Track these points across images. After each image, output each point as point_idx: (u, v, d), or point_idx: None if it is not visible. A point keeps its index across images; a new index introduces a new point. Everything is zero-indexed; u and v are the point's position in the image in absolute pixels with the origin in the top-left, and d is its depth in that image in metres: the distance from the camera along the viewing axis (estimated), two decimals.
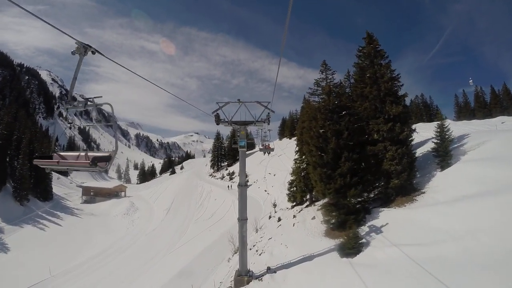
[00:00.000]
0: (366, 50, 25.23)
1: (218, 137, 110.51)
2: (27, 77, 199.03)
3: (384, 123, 22.51)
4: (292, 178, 36.67)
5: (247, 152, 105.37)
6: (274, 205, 41.97)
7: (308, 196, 33.88)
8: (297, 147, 34.82)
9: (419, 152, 26.48)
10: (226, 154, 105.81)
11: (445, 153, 22.61)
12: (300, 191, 33.08)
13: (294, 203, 36.53)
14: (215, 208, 58.30)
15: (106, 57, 6.73)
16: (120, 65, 7.98)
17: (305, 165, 32.59)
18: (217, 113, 18.69)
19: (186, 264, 32.56)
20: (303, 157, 32.77)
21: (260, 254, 23.39)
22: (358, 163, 22.10)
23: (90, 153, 6.45)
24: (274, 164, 71.58)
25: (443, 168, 22.08)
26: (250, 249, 25.92)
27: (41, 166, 6.82)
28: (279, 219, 32.33)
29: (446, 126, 23.68)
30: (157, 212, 67.69)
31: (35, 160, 6.81)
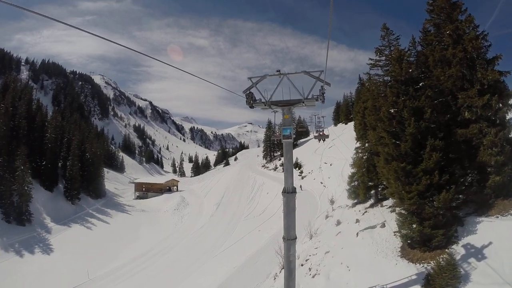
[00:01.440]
0: (437, 2, 18.53)
1: (269, 126, 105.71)
2: (80, 82, 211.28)
3: (476, 96, 15.88)
4: (352, 170, 30.72)
5: (301, 140, 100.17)
6: (332, 202, 36.20)
7: (372, 191, 27.76)
8: (358, 133, 28.68)
9: None
10: (278, 144, 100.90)
11: None
12: (363, 187, 27.07)
13: (356, 200, 30.62)
14: (267, 202, 53.95)
15: (153, 58, 7.39)
16: (169, 65, 8.14)
17: (367, 154, 26.55)
18: (250, 92, 13.29)
19: (223, 280, 28.24)
20: (366, 145, 26.68)
21: (313, 276, 18.17)
22: (445, 153, 15.78)
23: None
24: (330, 153, 65.06)
25: None
26: (302, 265, 20.85)
27: None
28: (338, 223, 26.69)
29: None
30: (207, 207, 65.51)
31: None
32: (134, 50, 7.08)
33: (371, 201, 28.01)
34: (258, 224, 44.27)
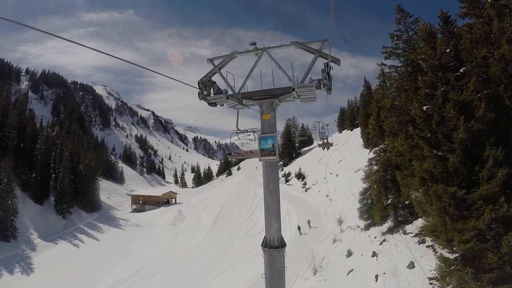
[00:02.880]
0: None
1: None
2: (81, 93, 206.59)
3: None
4: (364, 185, 25.41)
5: (304, 149, 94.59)
6: (340, 222, 30.55)
7: (391, 212, 22.34)
8: (371, 140, 23.42)
9: None
10: (280, 152, 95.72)
11: None
12: (380, 208, 21.60)
13: (369, 221, 25.20)
14: None
15: (149, 69, 6.42)
16: (167, 76, 7.09)
17: (384, 167, 21.24)
18: (210, 81, 7.92)
19: None
20: (383, 154, 21.38)
21: None
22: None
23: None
24: (336, 162, 59.52)
25: None
26: None
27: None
28: (349, 254, 21.22)
29: None
30: (204, 222, 60.14)
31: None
32: (130, 62, 5.75)
33: (389, 223, 22.55)
34: (255, 245, 38.61)
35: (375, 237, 21.78)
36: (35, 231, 49.40)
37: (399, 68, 19.75)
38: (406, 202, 20.74)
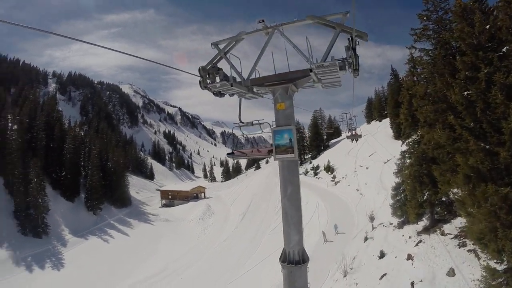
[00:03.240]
0: None
1: (297, 127, 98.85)
2: (108, 92, 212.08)
3: None
4: (397, 179, 23.63)
5: (332, 141, 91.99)
6: (371, 218, 28.80)
7: (427, 209, 20.48)
8: (404, 132, 21.58)
9: None
10: (308, 145, 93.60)
11: None
12: (414, 205, 19.78)
13: (403, 218, 23.40)
14: None
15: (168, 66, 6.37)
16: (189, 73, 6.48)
17: (420, 160, 19.40)
18: (214, 68, 6.83)
19: None
20: (417, 147, 19.53)
21: None
22: None
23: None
24: (366, 153, 57.07)
25: None
26: None
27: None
28: (382, 254, 19.69)
29: None
30: (233, 217, 59.82)
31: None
32: (149, 60, 5.81)
33: (425, 221, 20.72)
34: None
35: (409, 237, 20.07)
36: (66, 227, 51.17)
37: (430, 51, 17.84)
38: (444, 199, 18.89)
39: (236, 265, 35.64)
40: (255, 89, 6.91)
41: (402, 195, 22.94)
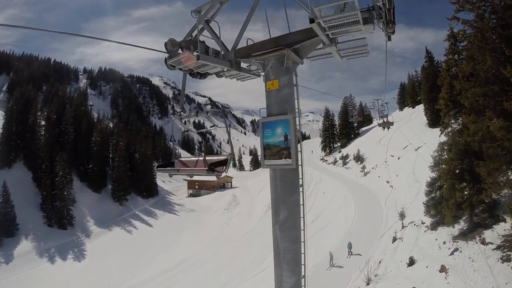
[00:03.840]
0: None
1: (327, 114, 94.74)
2: (138, 85, 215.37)
3: None
4: (433, 174, 20.54)
5: (363, 129, 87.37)
6: (402, 216, 25.66)
7: (466, 211, 17.37)
8: (443, 120, 18.36)
9: None
10: (338, 133, 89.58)
11: None
12: (452, 206, 16.67)
13: (437, 218, 20.30)
14: (322, 205, 44.44)
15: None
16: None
17: (461, 154, 16.27)
18: (190, 42, 4.84)
19: None
20: (459, 137, 16.37)
21: None
22: None
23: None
24: (398, 142, 52.92)
25: None
26: None
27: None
28: (412, 261, 16.91)
29: None
30: (257, 208, 58.25)
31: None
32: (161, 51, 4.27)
33: (462, 224, 17.69)
34: (308, 235, 34.89)
35: (444, 243, 17.16)
36: (91, 219, 51.84)
37: (477, 23, 14.51)
38: (486, 200, 15.74)
39: (253, 262, 33.87)
40: (244, 65, 4.76)
41: (438, 193, 19.87)
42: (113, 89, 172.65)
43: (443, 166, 17.63)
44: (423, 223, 22.56)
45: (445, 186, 17.39)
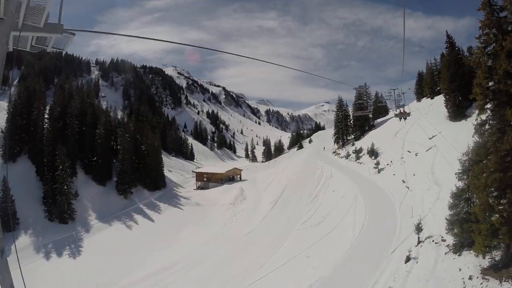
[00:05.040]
0: None
1: (340, 105, 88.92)
2: (151, 75, 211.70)
3: None
4: (459, 184, 16.01)
5: (378, 120, 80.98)
6: (419, 229, 20.94)
7: (501, 237, 12.73)
8: (480, 113, 13.48)
9: None
10: (352, 125, 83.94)
11: None
12: (487, 232, 12.15)
13: (462, 238, 15.74)
14: (331, 205, 39.94)
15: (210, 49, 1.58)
16: (226, 52, 2.29)
17: (496, 161, 11.70)
18: None
19: None
20: (502, 140, 11.74)
21: None
22: None
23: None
24: (415, 136, 47.55)
25: None
26: None
27: None
28: None
29: None
30: (263, 204, 54.26)
31: None
32: (188, 45, 5.33)
33: (494, 254, 13.23)
34: (311, 240, 31.13)
35: (470, 278, 12.79)
36: (93, 212, 49.75)
37: None
38: None
39: (249, 268, 30.23)
40: None
41: (466, 208, 15.32)
42: (125, 80, 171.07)
43: (477, 176, 13.00)
44: (443, 240, 18.07)
45: (477, 203, 12.85)
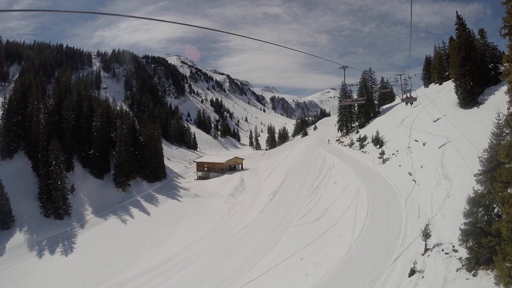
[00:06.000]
0: None
1: (344, 91, 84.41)
2: (153, 65, 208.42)
3: None
4: (478, 187, 13.05)
5: (384, 107, 76.64)
6: (426, 235, 17.91)
7: None
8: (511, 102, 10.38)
9: None
10: (356, 111, 79.89)
11: None
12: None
13: (477, 250, 12.86)
14: (331, 198, 36.88)
15: (224, 32, 1.96)
16: (246, 37, 3.39)
17: None
18: None
19: None
20: None
21: None
22: None
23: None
24: (422, 124, 44.06)
25: None
26: None
27: None
28: None
29: None
30: (263, 196, 52.06)
31: None
32: (199, 27, 7.56)
33: None
34: (307, 239, 28.36)
35: None
36: (90, 207, 48.30)
37: None
38: None
39: (239, 269, 27.80)
40: None
41: (485, 217, 12.39)
42: (127, 70, 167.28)
43: (503, 185, 10.01)
44: (455, 250, 15.19)
45: (504, 219, 9.92)
